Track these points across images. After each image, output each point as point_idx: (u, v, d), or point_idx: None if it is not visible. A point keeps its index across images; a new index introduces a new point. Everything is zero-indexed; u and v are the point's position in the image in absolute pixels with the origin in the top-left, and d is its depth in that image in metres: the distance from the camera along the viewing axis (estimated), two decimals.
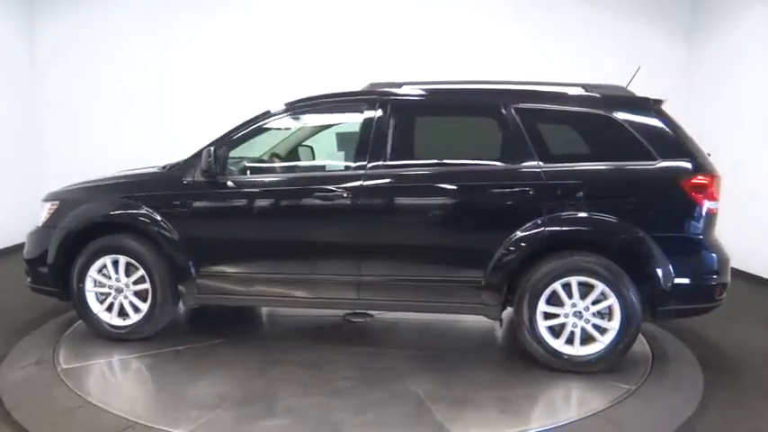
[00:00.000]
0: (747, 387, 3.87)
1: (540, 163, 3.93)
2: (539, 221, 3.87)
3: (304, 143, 4.86)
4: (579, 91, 4.16)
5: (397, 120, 4.12)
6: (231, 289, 4.24)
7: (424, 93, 4.25)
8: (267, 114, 4.27)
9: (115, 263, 4.30)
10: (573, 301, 3.88)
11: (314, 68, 7.61)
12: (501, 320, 4.05)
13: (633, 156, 3.93)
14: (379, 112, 4.11)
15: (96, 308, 4.35)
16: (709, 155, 4.23)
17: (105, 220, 4.28)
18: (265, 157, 4.66)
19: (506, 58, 7.56)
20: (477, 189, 4.00)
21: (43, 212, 4.46)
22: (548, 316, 3.92)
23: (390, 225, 4.08)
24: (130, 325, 4.32)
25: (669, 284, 3.81)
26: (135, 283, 4.30)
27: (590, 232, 3.87)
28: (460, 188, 4.02)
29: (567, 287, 3.87)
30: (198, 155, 4.19)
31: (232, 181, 4.20)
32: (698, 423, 3.32)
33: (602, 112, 3.99)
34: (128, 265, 4.29)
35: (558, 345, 3.91)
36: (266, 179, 4.31)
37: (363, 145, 4.09)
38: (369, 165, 4.05)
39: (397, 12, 7.81)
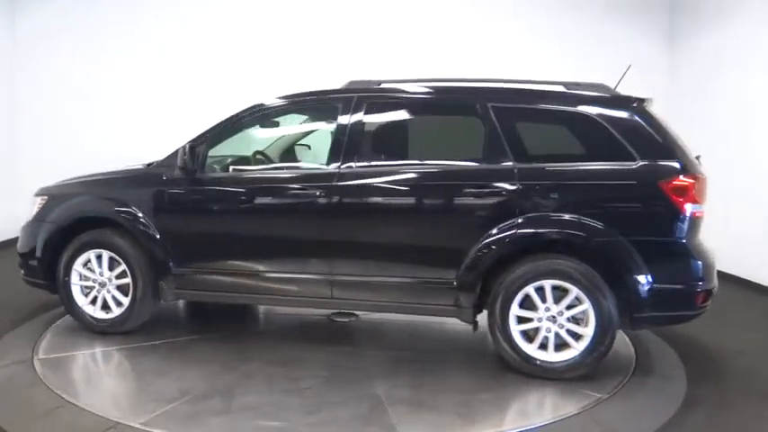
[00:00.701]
0: (730, 387, 3.85)
1: (515, 163, 3.83)
2: (511, 223, 3.78)
3: (299, 142, 4.88)
4: (560, 89, 4.05)
5: (372, 119, 4.09)
6: (206, 285, 4.28)
7: (400, 91, 4.20)
8: (244, 112, 4.29)
9: (99, 257, 4.39)
10: (546, 305, 3.78)
11: (306, 64, 7.49)
12: (475, 324, 3.96)
13: (612, 156, 3.80)
14: (354, 111, 4.08)
15: (81, 301, 4.44)
16: (698, 157, 4.08)
17: (87, 215, 4.38)
18: (249, 156, 4.68)
19: (502, 55, 7.48)
20: (448, 189, 3.93)
21: (34, 207, 4.59)
22: (521, 320, 3.83)
23: (362, 225, 4.05)
24: (112, 318, 4.40)
25: (646, 290, 3.67)
26: (117, 277, 4.38)
27: (562, 234, 3.76)
28: (432, 188, 3.96)
29: (541, 291, 3.77)
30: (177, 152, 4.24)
31: (207, 178, 4.24)
32: (681, 422, 3.32)
33: (580, 111, 3.87)
34: (111, 259, 4.37)
35: (531, 350, 3.81)
36: (240, 177, 4.33)
37: (338, 144, 4.07)
38: (342, 164, 4.02)
39: (393, 7, 7.76)
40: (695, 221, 3.74)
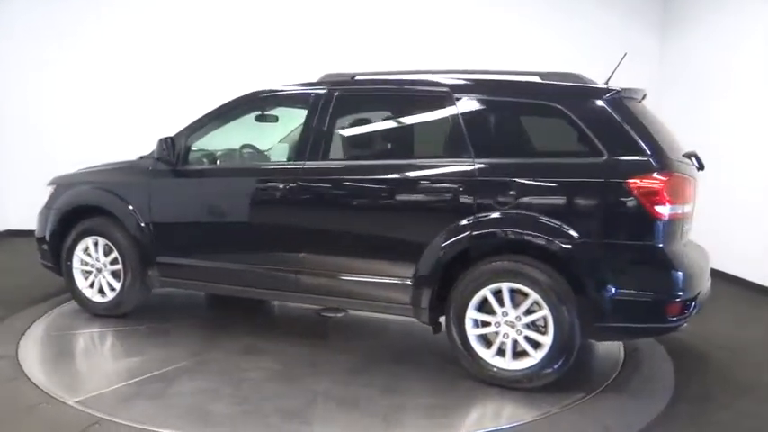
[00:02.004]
0: (716, 382, 3.85)
1: (476, 158, 3.64)
2: (466, 222, 3.59)
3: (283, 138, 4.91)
4: (535, 80, 3.80)
5: (338, 113, 4.03)
6: (185, 275, 4.41)
7: (368, 84, 4.13)
8: (223, 106, 4.38)
9: (96, 244, 4.66)
10: (504, 309, 3.57)
11: (295, 57, 7.40)
12: (435, 326, 3.79)
13: (580, 151, 3.52)
14: (322, 105, 4.04)
15: (81, 284, 4.74)
16: (690, 155, 3.72)
17: (83, 204, 4.65)
18: (236, 149, 4.78)
19: (493, 45, 7.41)
20: (406, 185, 3.80)
21: (46, 195, 4.95)
22: (480, 324, 3.64)
23: (323, 221, 4.01)
24: (107, 302, 4.65)
25: (610, 298, 3.36)
26: (111, 263, 4.63)
27: (516, 235, 3.53)
28: (390, 184, 3.84)
29: (502, 294, 3.56)
30: None
31: (184, 170, 4.37)
32: (669, 418, 3.33)
33: (549, 103, 3.62)
34: (106, 246, 4.63)
35: (488, 356, 3.61)
36: (213, 169, 4.42)
37: (304, 139, 4.05)
38: (307, 159, 4.01)
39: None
40: (671, 224, 3.37)
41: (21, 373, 3.56)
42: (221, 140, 4.57)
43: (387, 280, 3.83)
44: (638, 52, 7.07)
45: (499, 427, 3.17)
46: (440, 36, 7.54)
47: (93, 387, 3.47)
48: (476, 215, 3.58)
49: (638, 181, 3.32)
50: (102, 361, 4.08)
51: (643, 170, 3.35)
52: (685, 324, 3.48)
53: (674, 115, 6.07)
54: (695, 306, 3.44)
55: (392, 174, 3.84)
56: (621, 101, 3.53)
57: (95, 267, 4.69)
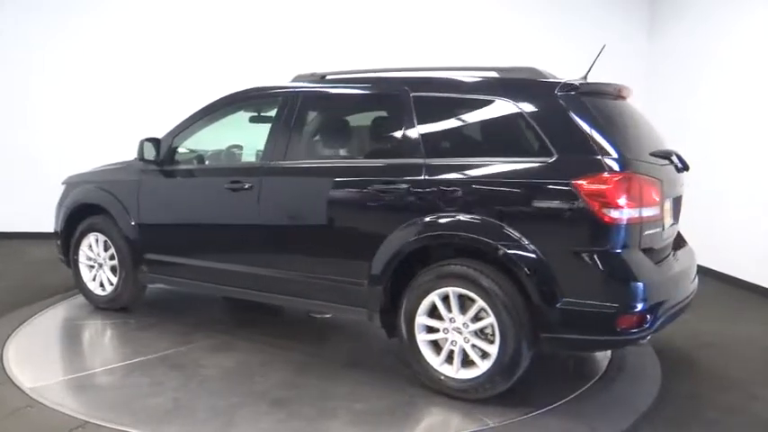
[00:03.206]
0: (705, 379, 3.87)
1: (426, 158, 3.50)
2: (415, 224, 3.47)
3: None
4: (492, 75, 3.60)
5: (301, 113, 4.01)
6: (168, 272, 4.56)
7: (329, 84, 4.08)
8: (205, 108, 4.48)
9: (97, 240, 4.92)
10: (451, 315, 3.41)
11: (297, 56, 7.39)
12: (389, 330, 3.67)
13: (531, 150, 3.30)
14: (287, 106, 4.04)
15: (86, 278, 5.02)
16: (669, 155, 3.44)
17: (85, 202, 4.91)
18: (222, 150, 4.87)
19: (478, 41, 7.46)
20: (357, 187, 3.69)
21: (60, 193, 5.28)
22: (430, 330, 3.51)
23: (281, 221, 4.01)
24: (107, 295, 4.90)
25: (554, 307, 3.13)
26: (110, 258, 4.86)
27: (455, 238, 3.36)
28: (342, 186, 3.76)
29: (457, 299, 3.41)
30: None
31: (166, 170, 4.51)
32: (655, 415, 3.33)
33: (501, 99, 3.41)
34: (105, 243, 4.87)
35: (437, 363, 3.47)
36: (188, 169, 4.52)
37: (270, 139, 4.07)
38: (271, 159, 4.02)
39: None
40: (625, 229, 3.09)
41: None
42: (212, 141, 4.68)
43: (343, 282, 3.77)
44: (626, 47, 7.35)
45: (483, 428, 3.12)
46: (432, 33, 7.58)
47: (50, 376, 3.65)
48: (423, 217, 3.45)
49: (584, 182, 3.07)
50: (73, 350, 4.26)
51: (591, 170, 3.09)
52: (645, 339, 3.19)
53: (662, 111, 6.61)
54: (656, 319, 3.14)
55: (347, 175, 3.77)
56: (577, 96, 3.27)
57: (97, 262, 4.95)
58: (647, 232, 3.20)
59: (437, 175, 3.44)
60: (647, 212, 3.18)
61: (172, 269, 4.53)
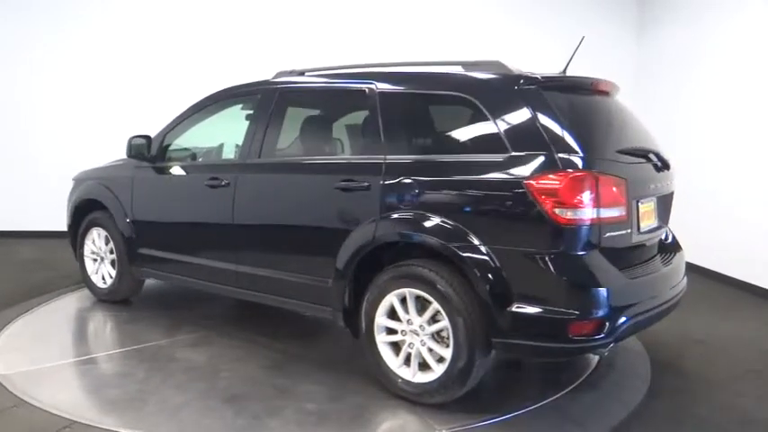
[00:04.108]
0: (694, 376, 3.89)
1: (386, 155, 3.42)
2: (373, 222, 3.39)
3: None
4: (458, 69, 3.48)
5: (277, 110, 4.00)
6: (157, 267, 4.64)
7: (301, 81, 4.05)
8: (192, 107, 4.54)
9: (99, 235, 5.08)
10: (409, 317, 3.32)
11: (295, 55, 7.18)
12: (354, 330, 3.60)
13: (487, 147, 3.16)
14: (262, 103, 4.05)
15: (90, 270, 5.19)
16: (646, 153, 3.23)
17: (87, 198, 5.08)
18: (213, 147, 4.92)
19: (467, 38, 7.49)
20: (324, 184, 3.64)
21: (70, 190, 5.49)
22: (390, 331, 3.42)
23: (254, 218, 4.01)
24: (107, 288, 5.05)
25: (504, 312, 2.98)
26: (110, 252, 5.02)
27: (405, 237, 3.26)
28: (309, 183, 3.73)
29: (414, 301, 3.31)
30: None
31: (156, 167, 4.60)
32: (645, 412, 3.34)
33: (460, 94, 3.29)
34: (106, 237, 5.02)
35: (396, 365, 3.38)
36: (181, 166, 4.57)
37: (247, 136, 4.08)
38: (247, 157, 4.03)
39: None
40: (580, 230, 2.91)
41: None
42: (199, 139, 4.74)
43: (309, 279, 3.73)
44: (615, 47, 7.53)
45: (475, 425, 3.08)
46: (427, 34, 7.59)
47: (25, 364, 3.75)
48: (381, 215, 3.37)
49: (534, 181, 2.92)
50: (59, 340, 4.31)
51: (543, 168, 2.93)
52: (605, 348, 3.00)
53: (652, 110, 6.71)
54: (616, 327, 2.93)
55: (315, 172, 3.75)
56: (538, 91, 3.11)
57: (99, 256, 5.11)
58: (608, 234, 3.01)
59: (395, 172, 3.35)
60: (608, 213, 2.99)
61: (160, 264, 4.61)
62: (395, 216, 3.32)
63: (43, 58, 7.75)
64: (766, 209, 5.54)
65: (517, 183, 2.96)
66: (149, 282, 5.12)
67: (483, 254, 3.03)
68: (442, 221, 3.15)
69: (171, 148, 4.65)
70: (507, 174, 3.01)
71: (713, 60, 6.29)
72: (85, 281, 5.24)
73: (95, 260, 5.14)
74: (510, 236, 3.01)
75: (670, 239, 3.86)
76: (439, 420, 3.14)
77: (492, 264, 3.01)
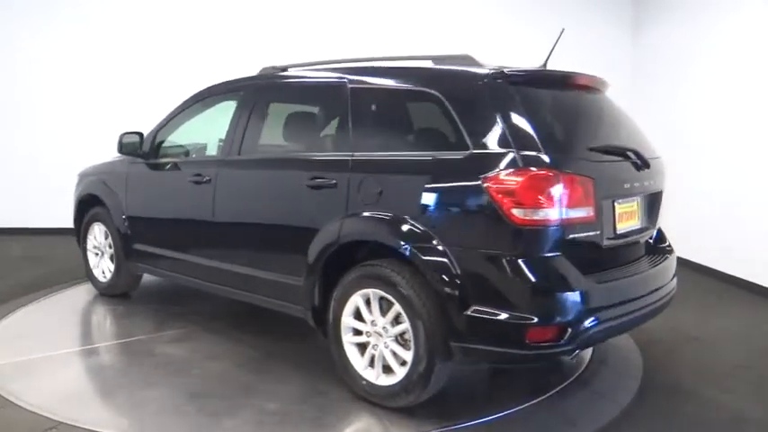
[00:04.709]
0: (686, 372, 3.87)
1: (353, 152, 3.35)
2: (338, 222, 3.32)
3: None
4: (428, 64, 3.38)
5: (258, 107, 3.98)
6: (150, 262, 4.70)
7: (281, 77, 4.00)
8: (181, 104, 4.57)
9: (99, 230, 5.18)
10: (373, 318, 3.24)
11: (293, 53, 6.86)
12: (323, 330, 3.54)
13: (449, 143, 3.06)
14: (243, 100, 4.04)
15: (92, 264, 5.30)
16: (627, 152, 3.13)
17: (87, 193, 5.17)
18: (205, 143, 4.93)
19: (464, 37, 7.37)
20: (293, 182, 3.59)
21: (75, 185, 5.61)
22: (357, 332, 3.36)
23: (232, 216, 4.01)
24: (107, 282, 5.15)
25: (460, 315, 2.88)
26: (109, 247, 5.11)
27: (363, 237, 3.20)
28: (283, 180, 3.69)
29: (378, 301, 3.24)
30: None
31: (148, 163, 4.65)
32: (637, 410, 3.32)
33: (426, 89, 3.18)
34: (105, 231, 5.12)
35: (361, 367, 3.32)
36: (170, 162, 4.60)
37: (228, 133, 4.07)
38: (227, 153, 4.03)
39: None
40: (541, 232, 2.79)
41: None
42: (189, 135, 4.76)
43: (283, 279, 3.70)
44: (611, 46, 7.50)
45: (463, 424, 3.06)
46: (422, 30, 7.53)
47: (12, 353, 3.84)
48: (347, 214, 3.31)
49: (492, 179, 2.80)
50: (49, 332, 4.37)
51: (503, 166, 2.80)
52: (571, 355, 2.87)
53: (648, 106, 6.74)
54: (579, 333, 2.79)
55: (288, 168, 3.71)
56: (504, 85, 2.98)
57: (100, 250, 5.21)
58: (572, 236, 2.86)
59: (361, 170, 3.28)
60: (572, 214, 2.84)
61: (153, 260, 4.67)
62: (359, 215, 3.24)
63: (41, 55, 7.81)
64: (764, 207, 5.45)
65: (475, 181, 2.84)
66: (150, 277, 5.18)
67: (441, 255, 2.92)
68: (403, 221, 3.06)
69: (163, 144, 4.68)
70: (465, 172, 2.90)
71: (709, 59, 6.24)
72: (88, 274, 5.36)
73: (97, 254, 5.25)
74: (470, 237, 2.90)
75: (660, 240, 3.67)
76: (401, 426, 3.06)
77: (450, 265, 2.90)
